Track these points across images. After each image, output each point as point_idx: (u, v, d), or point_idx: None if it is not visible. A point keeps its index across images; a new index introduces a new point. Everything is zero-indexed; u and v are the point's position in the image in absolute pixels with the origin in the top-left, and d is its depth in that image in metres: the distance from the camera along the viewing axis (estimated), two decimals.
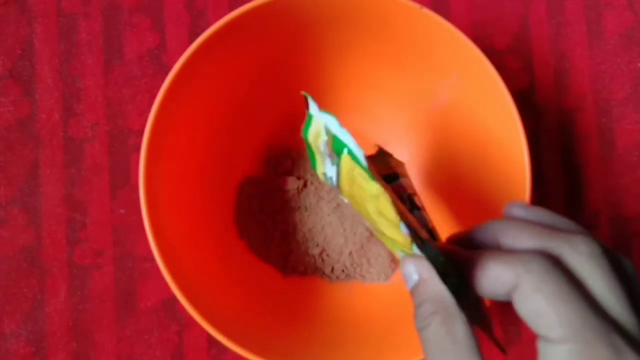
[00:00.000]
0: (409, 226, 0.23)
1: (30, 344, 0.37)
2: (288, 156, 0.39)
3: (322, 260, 0.37)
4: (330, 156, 0.27)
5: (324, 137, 0.27)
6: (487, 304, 0.32)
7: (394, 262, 0.37)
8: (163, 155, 0.32)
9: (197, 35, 0.33)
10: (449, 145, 0.37)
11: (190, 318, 0.31)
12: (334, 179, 0.27)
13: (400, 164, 0.33)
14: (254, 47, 0.34)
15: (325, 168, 0.28)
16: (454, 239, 0.26)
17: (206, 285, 0.33)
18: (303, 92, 0.27)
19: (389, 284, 0.37)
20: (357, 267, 0.37)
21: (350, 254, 0.37)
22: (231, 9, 0.38)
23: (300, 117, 0.39)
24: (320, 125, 0.27)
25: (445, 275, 0.23)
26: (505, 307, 0.39)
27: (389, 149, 0.38)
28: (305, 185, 0.38)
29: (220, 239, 0.36)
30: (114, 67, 0.39)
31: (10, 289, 0.38)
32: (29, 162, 0.38)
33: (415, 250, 0.23)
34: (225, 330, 0.31)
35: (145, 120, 0.31)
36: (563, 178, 0.40)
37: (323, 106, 0.39)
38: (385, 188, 0.25)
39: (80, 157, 0.38)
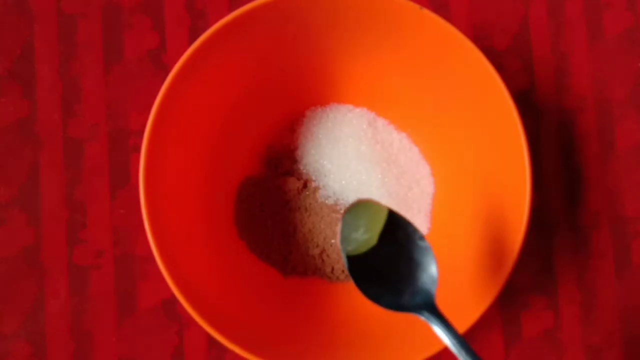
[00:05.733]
0: None
1: (30, 344, 0.37)
2: (288, 156, 0.39)
3: (322, 260, 0.37)
4: None
5: None
6: (490, 301, 0.32)
7: None
8: (163, 155, 0.32)
9: (197, 35, 0.33)
10: (448, 145, 0.37)
11: (190, 318, 0.31)
12: None
13: None
14: (254, 47, 0.34)
15: None
16: None
17: (206, 286, 0.33)
18: None
19: None
20: None
21: None
22: (231, 9, 0.38)
23: (300, 117, 0.39)
24: None
25: None
26: (505, 308, 0.39)
27: (389, 148, 0.38)
28: (305, 185, 0.38)
29: (220, 239, 0.36)
30: (114, 67, 0.39)
31: (10, 289, 0.37)
32: (28, 162, 0.38)
33: None
34: (225, 330, 0.31)
35: (145, 120, 0.31)
36: (563, 178, 0.40)
37: (323, 106, 0.39)
38: None
39: (80, 158, 0.38)
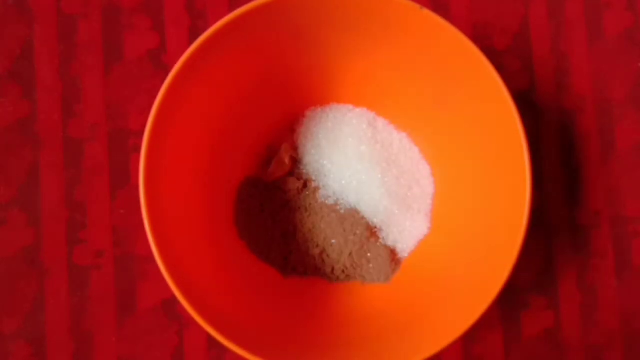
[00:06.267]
0: None
1: (30, 344, 0.37)
2: (288, 156, 0.39)
3: (322, 260, 0.37)
4: None
5: None
6: (490, 301, 0.32)
7: (394, 262, 0.37)
8: (163, 155, 0.32)
9: (197, 35, 0.33)
10: (448, 145, 0.37)
11: (190, 318, 0.31)
12: None
13: None
14: (254, 47, 0.34)
15: None
16: None
17: (206, 285, 0.33)
18: None
19: (389, 284, 0.37)
20: (357, 267, 0.37)
21: (350, 254, 0.37)
22: (231, 9, 0.38)
23: (300, 117, 0.39)
24: None
25: None
26: (505, 308, 0.39)
27: (389, 148, 0.38)
28: (305, 185, 0.38)
29: (220, 239, 0.36)
30: (114, 67, 0.39)
31: (10, 289, 0.37)
32: (28, 162, 0.38)
33: None
34: (225, 330, 0.31)
35: (145, 121, 0.31)
36: (563, 178, 0.40)
37: (323, 106, 0.39)
38: None
39: (80, 158, 0.38)
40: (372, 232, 0.37)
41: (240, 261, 0.36)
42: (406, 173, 0.38)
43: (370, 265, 0.37)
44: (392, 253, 0.37)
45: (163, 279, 0.30)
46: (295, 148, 0.39)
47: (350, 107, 0.39)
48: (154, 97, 0.31)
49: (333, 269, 0.37)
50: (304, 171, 0.38)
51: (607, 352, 0.39)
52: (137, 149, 0.38)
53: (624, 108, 0.40)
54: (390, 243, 0.37)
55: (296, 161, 0.39)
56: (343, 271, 0.37)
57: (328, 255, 0.37)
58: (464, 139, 0.36)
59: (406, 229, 0.37)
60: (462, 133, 0.36)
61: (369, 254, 0.37)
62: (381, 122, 0.39)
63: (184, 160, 0.34)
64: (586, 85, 0.40)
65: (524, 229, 0.32)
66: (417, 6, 0.32)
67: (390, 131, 0.38)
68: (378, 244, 0.37)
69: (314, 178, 0.38)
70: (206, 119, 0.35)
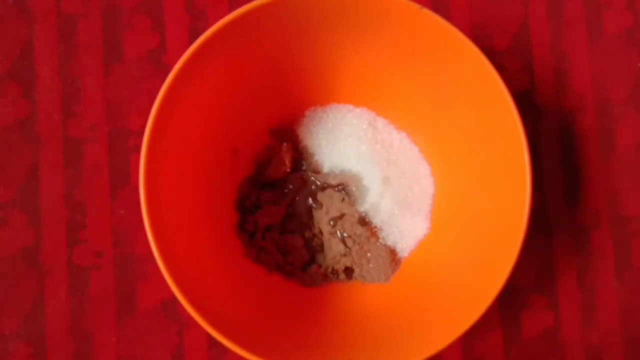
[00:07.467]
0: None
1: (30, 344, 0.37)
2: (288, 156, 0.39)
3: (323, 260, 0.37)
4: None
5: None
6: (490, 301, 0.32)
7: (394, 262, 0.37)
8: (163, 155, 0.32)
9: (197, 35, 0.33)
10: (448, 145, 0.37)
11: (190, 318, 0.31)
12: None
13: None
14: (254, 47, 0.34)
15: None
16: None
17: (206, 286, 0.33)
18: None
19: (389, 284, 0.37)
20: (357, 267, 0.37)
21: (350, 254, 0.37)
22: (231, 9, 0.38)
23: (300, 117, 0.39)
24: None
25: None
26: (506, 307, 0.39)
27: (389, 148, 0.38)
28: (305, 185, 0.38)
29: (220, 240, 0.36)
30: (114, 67, 0.39)
31: (10, 289, 0.37)
32: (28, 162, 0.38)
33: None
34: (225, 330, 0.31)
35: (145, 121, 0.31)
36: (563, 178, 0.40)
37: (323, 106, 0.39)
38: None
39: (80, 158, 0.38)
40: (372, 232, 0.37)
41: (240, 261, 0.36)
42: (406, 173, 0.38)
43: (370, 265, 0.37)
44: (392, 253, 0.37)
45: (163, 279, 0.30)
46: (295, 148, 0.39)
47: (350, 107, 0.39)
48: (154, 97, 0.31)
49: (333, 269, 0.37)
50: (304, 171, 0.38)
51: (607, 352, 0.39)
52: (137, 149, 0.38)
53: (624, 108, 0.40)
54: (390, 243, 0.37)
55: (296, 161, 0.39)
56: (343, 271, 0.37)
57: (328, 255, 0.37)
58: (464, 138, 0.36)
59: (406, 229, 0.37)
60: (462, 133, 0.36)
61: (369, 254, 0.37)
62: (381, 122, 0.39)
63: (184, 160, 0.34)
64: (586, 85, 0.40)
65: (524, 229, 0.32)
66: (417, 6, 0.32)
67: (390, 131, 0.38)
68: (378, 244, 0.37)
69: (314, 178, 0.38)
70: (206, 119, 0.35)
